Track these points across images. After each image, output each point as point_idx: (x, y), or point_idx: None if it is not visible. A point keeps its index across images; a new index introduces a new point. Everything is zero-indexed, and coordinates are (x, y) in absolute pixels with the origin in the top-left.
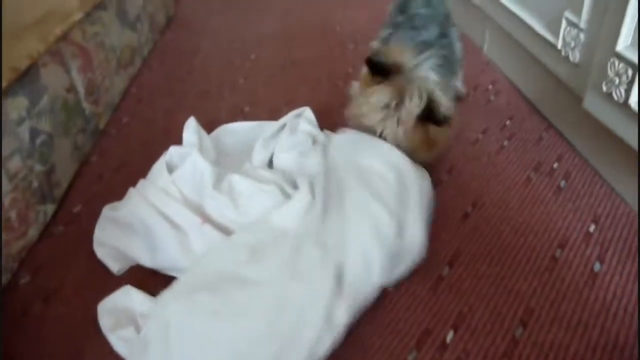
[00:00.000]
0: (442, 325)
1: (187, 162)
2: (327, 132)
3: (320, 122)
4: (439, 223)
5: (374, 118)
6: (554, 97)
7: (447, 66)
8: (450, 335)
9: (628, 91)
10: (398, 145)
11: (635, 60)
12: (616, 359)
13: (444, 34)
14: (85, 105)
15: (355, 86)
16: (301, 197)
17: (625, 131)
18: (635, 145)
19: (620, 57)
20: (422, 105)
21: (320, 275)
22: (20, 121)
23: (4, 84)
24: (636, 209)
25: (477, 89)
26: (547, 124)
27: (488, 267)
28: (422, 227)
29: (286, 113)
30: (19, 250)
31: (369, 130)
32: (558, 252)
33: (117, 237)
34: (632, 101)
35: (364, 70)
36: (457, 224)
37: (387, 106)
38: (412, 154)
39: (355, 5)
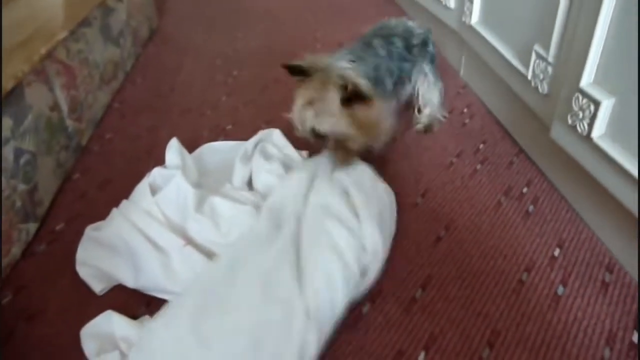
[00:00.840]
0: (415, 347)
1: (172, 184)
2: (303, 152)
3: (300, 142)
4: (413, 246)
5: (303, 117)
6: (524, 123)
7: (367, 66)
8: (421, 357)
9: (590, 125)
10: (335, 135)
11: (598, 96)
12: None
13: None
14: (69, 122)
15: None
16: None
17: (588, 162)
18: (597, 176)
19: (584, 93)
20: (340, 90)
21: (295, 300)
22: (5, 142)
23: None
24: (598, 233)
25: (452, 112)
26: (518, 149)
27: (459, 290)
28: (379, 233)
29: None
30: (2, 269)
31: (310, 133)
32: (524, 276)
33: (100, 258)
34: (595, 135)
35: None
36: (430, 247)
37: (310, 102)
38: (353, 142)
39: (336, 24)
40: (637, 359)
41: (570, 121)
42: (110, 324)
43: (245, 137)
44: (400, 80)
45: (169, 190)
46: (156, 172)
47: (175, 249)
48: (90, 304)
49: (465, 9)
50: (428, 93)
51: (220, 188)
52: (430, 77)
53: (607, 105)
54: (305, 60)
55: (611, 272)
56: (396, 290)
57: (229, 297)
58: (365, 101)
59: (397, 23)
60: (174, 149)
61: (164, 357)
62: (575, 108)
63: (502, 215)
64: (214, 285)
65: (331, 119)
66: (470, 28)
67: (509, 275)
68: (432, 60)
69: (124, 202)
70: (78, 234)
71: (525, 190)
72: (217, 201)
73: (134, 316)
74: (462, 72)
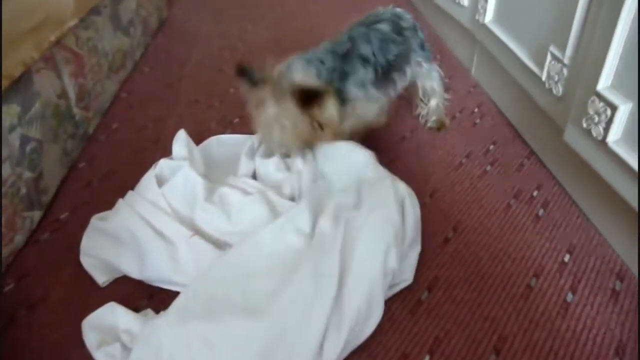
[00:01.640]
0: (419, 350)
1: (179, 175)
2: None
3: None
4: (421, 247)
5: (270, 138)
6: (536, 125)
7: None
8: None
9: (606, 130)
10: (302, 140)
11: (615, 101)
12: None
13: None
14: (76, 110)
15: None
16: (294, 217)
17: (602, 167)
18: (611, 181)
19: (600, 97)
20: (293, 97)
21: (313, 306)
22: (12, 129)
23: None
24: (609, 240)
25: (463, 111)
26: (529, 151)
27: (466, 292)
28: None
29: None
30: (5, 256)
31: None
32: (533, 281)
33: (104, 248)
34: (610, 140)
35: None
36: (438, 248)
37: (267, 114)
38: (323, 139)
39: (347, 17)
40: None
41: (585, 125)
42: (112, 316)
43: (252, 131)
44: (392, 65)
45: (176, 181)
46: (163, 163)
47: (182, 240)
48: (93, 294)
49: (480, 7)
50: (428, 81)
51: (226, 180)
52: (425, 64)
53: (624, 110)
54: (258, 71)
55: (622, 280)
56: (401, 291)
57: (243, 298)
58: (319, 99)
59: (385, 10)
60: (181, 141)
61: (168, 356)
62: (591, 112)
63: (511, 218)
64: (226, 285)
65: (296, 129)
66: (484, 27)
67: (517, 280)
68: (423, 47)
69: (130, 193)
70: (82, 224)
71: (535, 193)
72: (227, 191)
73: (136, 309)
74: (473, 71)
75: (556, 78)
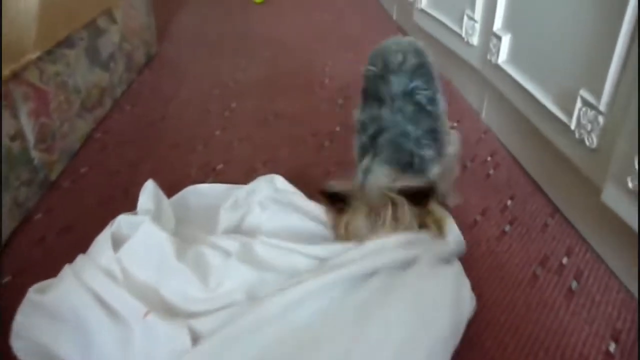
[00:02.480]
0: None
1: (139, 233)
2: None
3: (300, 188)
4: None
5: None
6: (562, 179)
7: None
8: None
9: None
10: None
11: None
12: None
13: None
14: (35, 153)
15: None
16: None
17: None
18: None
19: None
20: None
21: None
22: None
23: None
24: None
25: (474, 160)
26: (553, 208)
27: None
28: None
29: (263, 174)
30: None
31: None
32: None
33: (41, 329)
34: None
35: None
36: None
37: (372, 225)
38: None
39: (345, 54)
40: None
41: (631, 185)
42: None
43: (237, 179)
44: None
45: (135, 241)
46: (122, 219)
47: (138, 319)
48: None
49: (492, 46)
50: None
51: (202, 237)
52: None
53: None
54: (340, 185)
55: None
56: None
57: None
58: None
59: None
60: (148, 192)
61: None
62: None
63: (539, 291)
64: None
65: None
66: (497, 67)
67: None
68: None
69: (80, 257)
70: (25, 292)
71: (565, 260)
72: (203, 250)
73: None
74: (483, 115)
75: (589, 127)
